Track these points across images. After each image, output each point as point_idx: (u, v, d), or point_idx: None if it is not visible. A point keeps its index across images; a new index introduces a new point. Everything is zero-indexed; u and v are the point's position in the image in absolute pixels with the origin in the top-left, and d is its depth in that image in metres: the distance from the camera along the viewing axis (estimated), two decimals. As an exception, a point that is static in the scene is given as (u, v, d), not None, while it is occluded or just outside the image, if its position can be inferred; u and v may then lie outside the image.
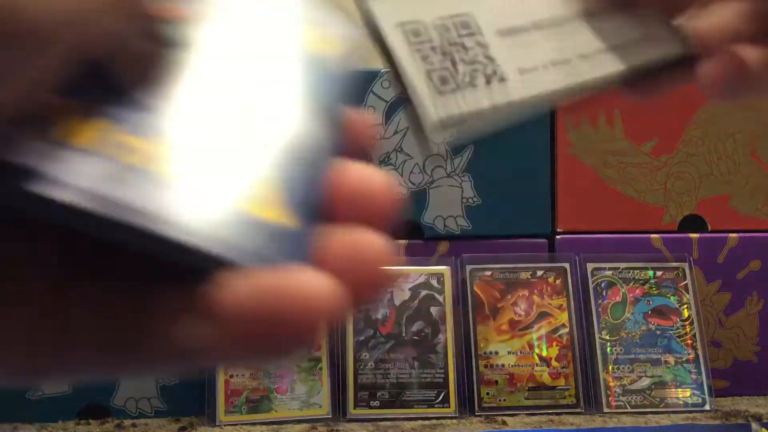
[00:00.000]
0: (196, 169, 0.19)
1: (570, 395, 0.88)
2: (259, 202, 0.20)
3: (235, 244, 0.18)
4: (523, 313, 0.91)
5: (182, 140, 0.20)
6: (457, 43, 0.31)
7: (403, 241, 0.94)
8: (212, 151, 0.20)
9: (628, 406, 0.88)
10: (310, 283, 0.18)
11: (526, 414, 0.87)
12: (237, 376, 0.85)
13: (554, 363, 0.89)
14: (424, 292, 0.90)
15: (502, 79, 0.31)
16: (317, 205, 0.21)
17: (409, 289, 0.90)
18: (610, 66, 0.33)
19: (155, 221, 0.18)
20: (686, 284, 0.93)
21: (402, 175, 0.93)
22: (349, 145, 0.23)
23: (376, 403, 0.86)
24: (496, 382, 0.88)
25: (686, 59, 0.34)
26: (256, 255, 0.19)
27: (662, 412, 0.87)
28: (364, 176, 0.22)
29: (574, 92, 0.32)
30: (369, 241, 0.21)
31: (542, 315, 0.91)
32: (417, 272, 0.91)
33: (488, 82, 0.31)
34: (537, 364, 0.89)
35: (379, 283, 0.21)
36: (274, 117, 0.22)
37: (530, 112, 0.32)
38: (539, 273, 0.92)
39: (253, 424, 0.84)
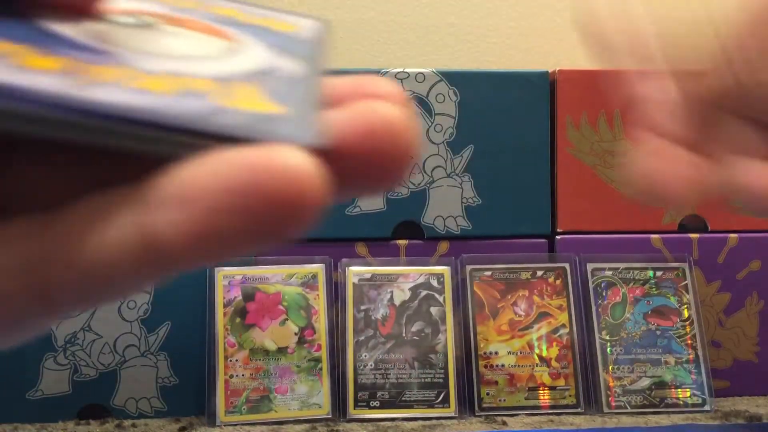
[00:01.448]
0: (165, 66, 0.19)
1: (570, 395, 0.88)
2: (240, 98, 0.19)
3: (220, 121, 0.17)
4: (523, 313, 0.91)
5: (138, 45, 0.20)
6: None
7: (403, 241, 0.94)
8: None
9: (628, 406, 0.88)
10: (287, 159, 0.16)
11: (526, 414, 0.87)
12: (237, 376, 0.85)
13: (554, 363, 0.89)
14: (424, 292, 0.90)
15: None
16: (313, 98, 0.20)
17: (409, 289, 0.90)
18: None
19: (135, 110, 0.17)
20: (686, 284, 0.93)
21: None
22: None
23: (376, 403, 0.86)
24: (496, 382, 0.88)
25: None
26: (236, 129, 0.17)
27: (662, 412, 0.87)
28: (364, 83, 0.20)
29: None
30: (381, 111, 0.18)
31: (542, 315, 0.91)
32: (417, 272, 0.91)
33: None
34: (537, 364, 0.89)
35: (398, 156, 0.18)
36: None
37: None
38: (539, 273, 0.92)
39: (253, 424, 0.84)
